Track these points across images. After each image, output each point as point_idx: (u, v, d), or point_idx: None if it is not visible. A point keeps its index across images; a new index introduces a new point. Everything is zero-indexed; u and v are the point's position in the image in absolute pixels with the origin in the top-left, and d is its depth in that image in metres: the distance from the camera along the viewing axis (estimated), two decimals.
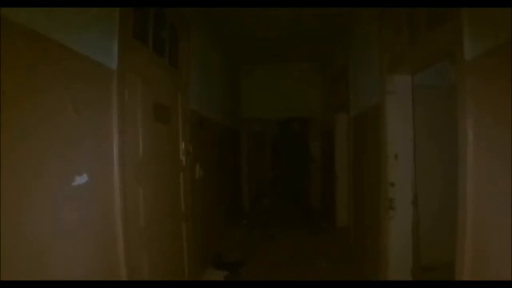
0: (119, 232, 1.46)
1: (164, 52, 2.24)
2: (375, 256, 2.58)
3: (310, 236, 4.52)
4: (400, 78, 2.38)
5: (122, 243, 1.47)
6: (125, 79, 1.62)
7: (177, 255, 2.32)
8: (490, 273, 1.20)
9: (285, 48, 4.61)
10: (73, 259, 1.16)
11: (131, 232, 1.59)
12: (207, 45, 3.53)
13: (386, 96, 2.38)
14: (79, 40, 1.26)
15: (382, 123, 2.41)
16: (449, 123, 2.87)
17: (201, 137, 3.10)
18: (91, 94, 1.35)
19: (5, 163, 0.88)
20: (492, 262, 1.19)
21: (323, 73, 5.35)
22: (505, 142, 1.12)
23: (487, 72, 1.25)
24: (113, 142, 1.45)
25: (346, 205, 4.08)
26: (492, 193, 1.21)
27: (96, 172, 1.33)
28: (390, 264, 2.40)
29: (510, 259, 1.07)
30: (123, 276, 1.46)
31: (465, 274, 1.31)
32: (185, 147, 2.40)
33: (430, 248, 2.69)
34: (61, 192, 1.12)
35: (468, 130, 1.35)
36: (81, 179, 1.21)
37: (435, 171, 2.77)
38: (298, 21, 3.54)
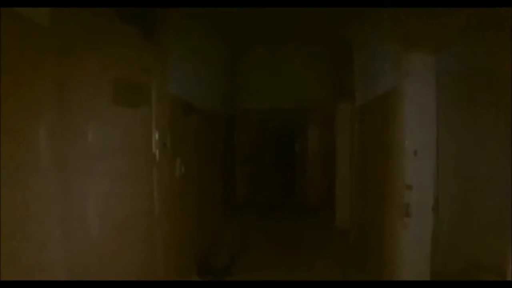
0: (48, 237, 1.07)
1: (134, 20, 1.80)
2: (386, 270, 2.21)
3: (307, 237, 4.16)
4: (420, 57, 1.96)
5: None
6: (66, 42, 1.22)
7: (148, 267, 1.92)
8: None
9: (286, 28, 4.14)
10: None
11: (72, 242, 1.21)
12: (198, 25, 3.08)
13: (403, 79, 1.97)
14: None
15: (398, 112, 2.00)
16: (467, 115, 2.52)
17: (185, 128, 2.67)
18: (11, 57, 0.97)
19: None
20: None
21: (325, 60, 4.91)
22: None
23: None
24: (39, 121, 1.05)
25: (347, 206, 3.71)
26: None
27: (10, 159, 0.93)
28: (404, 277, 2.02)
29: None
30: None
31: None
32: (160, 138, 1.98)
33: (447, 259, 2.33)
34: None
35: None
36: None
37: (452, 172, 2.39)
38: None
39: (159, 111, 1.99)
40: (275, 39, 4.70)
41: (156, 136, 1.93)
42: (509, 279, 1.23)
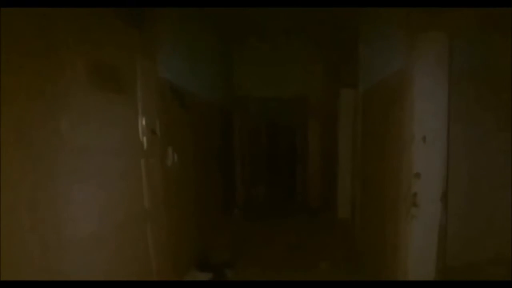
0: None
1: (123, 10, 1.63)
2: (391, 261, 2.10)
3: (308, 230, 4.07)
4: (434, 37, 1.79)
5: None
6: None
7: (140, 267, 1.80)
8: None
9: (283, 19, 3.91)
10: None
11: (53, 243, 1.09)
12: (193, 17, 2.91)
13: (414, 60, 1.80)
14: None
15: (406, 95, 1.84)
16: (467, 115, 2.39)
17: (177, 114, 2.52)
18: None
19: None
20: None
21: (325, 48, 4.70)
22: None
23: None
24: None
25: (349, 196, 3.59)
26: None
27: None
28: (410, 270, 1.92)
29: None
30: None
31: None
32: (148, 124, 1.83)
33: (455, 251, 2.22)
34: None
35: None
36: None
37: (459, 164, 2.26)
38: None
39: (147, 96, 1.84)
40: (272, 31, 4.46)
41: (143, 122, 1.78)
42: None
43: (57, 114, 1.17)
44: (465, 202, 2.31)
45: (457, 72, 2.13)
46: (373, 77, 2.52)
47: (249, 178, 5.59)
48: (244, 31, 4.52)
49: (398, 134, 1.94)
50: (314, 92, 4.94)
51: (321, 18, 3.83)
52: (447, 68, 1.80)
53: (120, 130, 1.60)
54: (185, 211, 2.66)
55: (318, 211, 4.75)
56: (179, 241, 2.44)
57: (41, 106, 1.10)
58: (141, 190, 1.79)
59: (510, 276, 2.14)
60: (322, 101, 4.88)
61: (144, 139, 1.79)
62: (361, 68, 2.91)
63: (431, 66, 1.78)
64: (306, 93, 4.99)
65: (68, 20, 1.24)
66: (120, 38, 1.64)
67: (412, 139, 1.79)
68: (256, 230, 4.06)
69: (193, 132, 2.90)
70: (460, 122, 2.19)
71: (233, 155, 5.06)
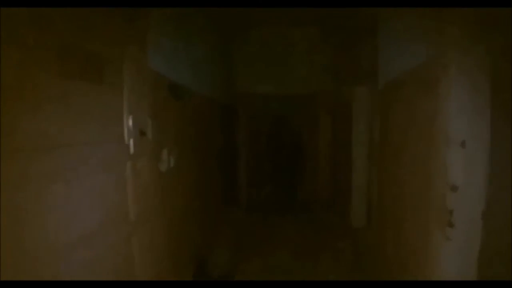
0: None
1: None
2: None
3: (317, 238, 3.77)
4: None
5: None
6: None
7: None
8: None
9: (289, 14, 3.66)
10: None
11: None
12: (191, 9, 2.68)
13: (447, 47, 1.50)
14: None
15: (440, 89, 1.54)
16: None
17: (175, 113, 2.30)
18: None
19: None
20: None
21: (335, 39, 4.39)
22: None
23: None
24: None
25: (364, 204, 3.28)
26: None
27: None
28: None
29: None
30: None
31: None
32: (135, 124, 1.59)
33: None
34: None
35: None
36: None
37: None
38: None
39: (135, 90, 1.60)
40: (278, 25, 4.18)
41: (130, 122, 1.54)
42: None
43: (39, 112, 0.96)
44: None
45: None
46: (393, 72, 2.22)
47: (252, 178, 5.34)
48: (247, 26, 4.28)
49: (429, 138, 1.64)
50: (323, 89, 4.65)
51: (330, 12, 3.55)
52: (485, 57, 1.48)
53: (104, 128, 1.37)
54: (182, 216, 2.42)
55: (324, 216, 4.45)
56: (173, 250, 2.20)
57: (25, 103, 0.90)
58: (126, 199, 1.55)
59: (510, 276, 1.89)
60: (332, 99, 4.58)
61: (131, 142, 1.56)
62: (380, 62, 2.60)
63: (468, 55, 1.47)
64: (314, 90, 4.70)
65: (56, 12, 1.03)
66: (110, 31, 1.41)
67: (448, 143, 1.49)
68: (258, 232, 3.85)
69: (193, 132, 2.68)
70: None
71: (236, 155, 4.83)
